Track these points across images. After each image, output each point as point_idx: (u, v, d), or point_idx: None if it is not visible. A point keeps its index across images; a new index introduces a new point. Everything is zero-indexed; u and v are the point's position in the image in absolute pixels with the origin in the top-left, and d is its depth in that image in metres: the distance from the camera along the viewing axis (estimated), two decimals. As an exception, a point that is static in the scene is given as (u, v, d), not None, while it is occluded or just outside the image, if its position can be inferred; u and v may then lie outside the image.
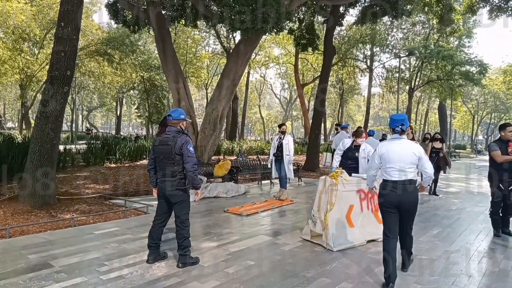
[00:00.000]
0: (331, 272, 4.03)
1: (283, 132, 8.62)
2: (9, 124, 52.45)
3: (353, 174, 5.52)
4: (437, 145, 9.49)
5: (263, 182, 11.45)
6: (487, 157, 6.68)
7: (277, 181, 9.38)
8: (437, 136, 9.70)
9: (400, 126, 3.74)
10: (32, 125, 20.62)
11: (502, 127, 5.60)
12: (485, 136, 59.05)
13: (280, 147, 8.39)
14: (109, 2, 11.89)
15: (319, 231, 4.98)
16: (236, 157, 13.49)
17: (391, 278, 3.55)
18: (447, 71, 25.42)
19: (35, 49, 21.69)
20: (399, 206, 3.66)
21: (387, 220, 3.73)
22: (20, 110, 31.13)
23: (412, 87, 30.75)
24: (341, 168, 5.39)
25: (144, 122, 34.84)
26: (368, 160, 6.34)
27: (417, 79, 30.70)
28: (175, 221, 4.13)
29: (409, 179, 3.64)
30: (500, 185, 5.54)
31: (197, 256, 4.25)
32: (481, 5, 14.42)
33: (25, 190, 6.52)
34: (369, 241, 5.13)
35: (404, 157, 3.65)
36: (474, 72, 25.28)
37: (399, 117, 3.81)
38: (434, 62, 25.14)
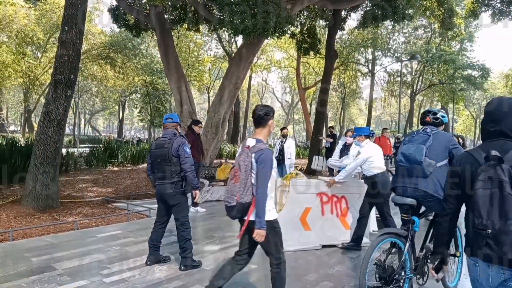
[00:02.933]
0: (334, 275, 4.03)
1: (285, 136, 8.64)
2: (12, 128, 52.66)
3: (320, 177, 5.46)
4: None
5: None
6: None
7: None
8: (459, 141, 7.18)
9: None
10: (35, 128, 20.71)
11: None
12: (488, 140, 58.77)
13: (281, 151, 8.41)
14: (112, 6, 11.98)
15: None
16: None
17: None
18: (449, 75, 25.40)
19: (38, 53, 21.84)
20: None
21: None
22: (23, 114, 31.28)
23: (414, 91, 30.76)
24: (299, 170, 5.40)
25: (146, 125, 34.91)
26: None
27: (419, 83, 30.70)
28: (175, 224, 4.15)
29: None
30: None
31: (199, 260, 4.24)
32: (483, 9, 14.43)
33: (28, 193, 6.55)
34: (325, 246, 5.02)
35: None
36: (476, 76, 25.26)
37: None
38: (436, 66, 25.14)
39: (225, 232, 5.78)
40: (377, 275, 3.16)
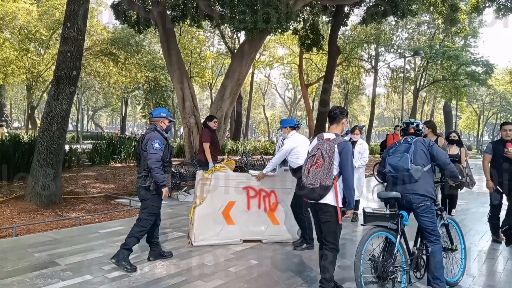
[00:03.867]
0: (335, 271, 4.03)
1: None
2: (16, 124, 52.86)
3: (250, 171, 5.34)
4: (453, 150, 6.55)
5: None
6: (492, 158, 6.60)
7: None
8: (453, 137, 6.67)
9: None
10: (38, 125, 20.78)
11: (500, 126, 5.27)
12: (491, 137, 58.61)
13: (284, 147, 8.39)
14: (114, 3, 11.97)
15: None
16: (240, 157, 13.51)
17: None
18: (452, 71, 25.28)
19: (41, 50, 21.84)
20: None
21: None
22: (26, 110, 31.39)
23: (417, 87, 30.63)
24: (224, 164, 5.37)
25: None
26: (360, 154, 6.59)
27: (422, 79, 30.55)
28: None
29: None
30: (498, 187, 5.15)
31: (135, 266, 3.95)
32: (487, 4, 14.32)
33: (31, 189, 6.58)
34: (246, 241, 4.93)
35: None
36: (480, 72, 25.11)
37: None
38: (439, 62, 25.01)
39: (227, 228, 5.79)
40: (372, 270, 3.23)
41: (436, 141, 5.92)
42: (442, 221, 3.75)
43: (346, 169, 3.25)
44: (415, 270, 3.52)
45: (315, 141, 3.52)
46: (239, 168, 10.14)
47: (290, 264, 4.27)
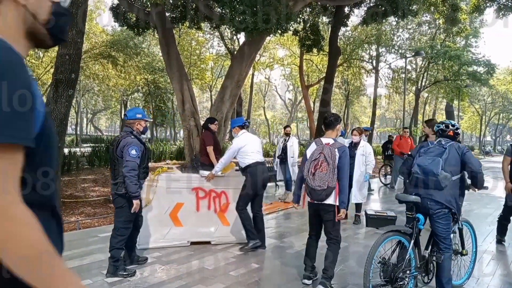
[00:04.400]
0: (337, 275, 3.97)
1: (288, 134, 8.57)
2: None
3: (201, 171, 5.25)
4: None
5: (268, 184, 11.35)
6: (495, 159, 6.58)
7: (282, 183, 9.33)
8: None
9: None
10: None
11: None
12: (493, 137, 58.49)
13: (284, 149, 8.34)
14: (113, 5, 11.94)
15: None
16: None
17: None
18: (454, 71, 25.19)
19: (40, 53, 21.83)
20: None
21: None
22: (26, 113, 31.33)
23: (419, 87, 30.55)
24: (172, 166, 5.27)
25: (148, 124, 34.94)
26: (365, 158, 6.43)
27: (424, 80, 30.48)
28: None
29: None
30: None
31: (134, 269, 3.92)
32: (488, 4, 14.27)
33: (30, 193, 6.52)
34: (194, 243, 4.86)
35: None
36: (482, 72, 25.04)
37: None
38: (440, 62, 24.92)
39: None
40: (381, 273, 3.16)
41: None
42: (457, 225, 3.62)
43: (343, 171, 3.51)
44: (423, 275, 3.46)
45: (313, 145, 3.71)
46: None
47: (292, 267, 4.20)
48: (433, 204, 3.30)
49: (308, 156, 3.66)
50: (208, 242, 4.91)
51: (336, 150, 3.52)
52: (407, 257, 3.23)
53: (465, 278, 3.81)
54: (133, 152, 3.75)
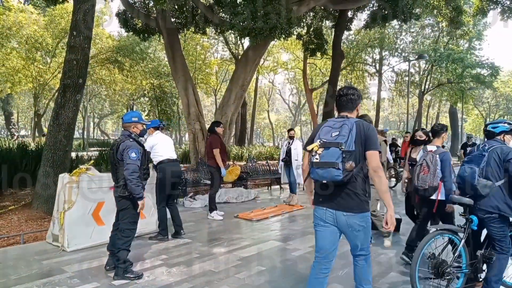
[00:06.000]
0: (344, 277, 4.00)
1: (292, 137, 8.62)
2: (22, 132, 53.32)
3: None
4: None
5: (272, 187, 11.43)
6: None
7: (286, 186, 9.37)
8: (419, 137, 5.19)
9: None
10: (45, 132, 20.93)
11: None
12: (498, 139, 57.86)
13: (288, 152, 8.39)
14: (119, 11, 12.08)
15: (57, 232, 4.84)
16: (245, 163, 13.51)
17: None
18: (457, 74, 25.14)
19: (48, 58, 22.05)
20: None
21: None
22: (33, 118, 31.66)
23: (422, 90, 30.49)
24: (90, 165, 5.31)
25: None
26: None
27: (427, 83, 30.42)
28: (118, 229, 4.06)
29: None
30: None
31: (141, 272, 3.97)
32: (491, 6, 14.25)
33: (38, 197, 6.62)
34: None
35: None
36: (485, 74, 24.96)
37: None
38: (444, 65, 24.91)
39: (233, 234, 5.78)
40: (429, 266, 3.33)
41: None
42: None
43: (444, 173, 4.07)
44: (474, 274, 3.54)
45: (421, 152, 4.57)
46: (244, 174, 10.20)
47: (298, 270, 4.24)
48: (481, 211, 3.41)
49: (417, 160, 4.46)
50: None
51: (438, 156, 4.09)
52: (456, 254, 3.36)
53: None
54: (133, 154, 3.85)
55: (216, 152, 6.68)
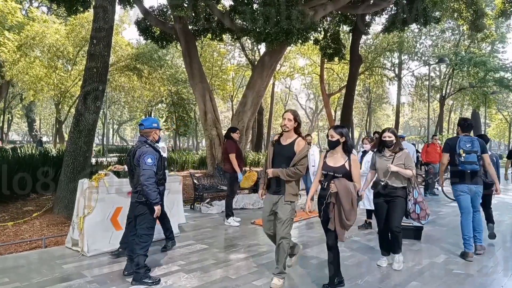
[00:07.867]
0: (363, 286, 3.91)
1: (309, 143, 8.53)
2: (44, 138, 54.78)
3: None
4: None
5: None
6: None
7: (304, 192, 9.28)
8: (388, 137, 4.68)
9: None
10: (66, 139, 21.45)
11: None
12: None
13: (306, 158, 8.29)
14: (138, 19, 12.32)
15: (76, 237, 4.83)
16: (262, 169, 13.44)
17: None
18: (480, 78, 24.52)
19: (69, 66, 22.63)
20: None
21: None
22: (54, 125, 32.51)
23: (443, 95, 29.88)
24: (108, 170, 5.20)
25: (171, 134, 35.52)
26: (369, 163, 6.16)
27: (448, 87, 29.80)
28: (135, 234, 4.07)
29: None
30: None
31: (159, 277, 3.99)
32: (514, 8, 13.90)
33: (59, 202, 6.75)
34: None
35: None
36: (509, 78, 24.28)
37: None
38: (465, 69, 24.35)
39: (250, 240, 5.74)
40: None
41: None
42: None
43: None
44: None
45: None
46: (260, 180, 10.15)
47: (316, 278, 4.17)
48: None
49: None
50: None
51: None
52: None
53: None
54: (149, 160, 3.89)
55: (232, 156, 6.68)
